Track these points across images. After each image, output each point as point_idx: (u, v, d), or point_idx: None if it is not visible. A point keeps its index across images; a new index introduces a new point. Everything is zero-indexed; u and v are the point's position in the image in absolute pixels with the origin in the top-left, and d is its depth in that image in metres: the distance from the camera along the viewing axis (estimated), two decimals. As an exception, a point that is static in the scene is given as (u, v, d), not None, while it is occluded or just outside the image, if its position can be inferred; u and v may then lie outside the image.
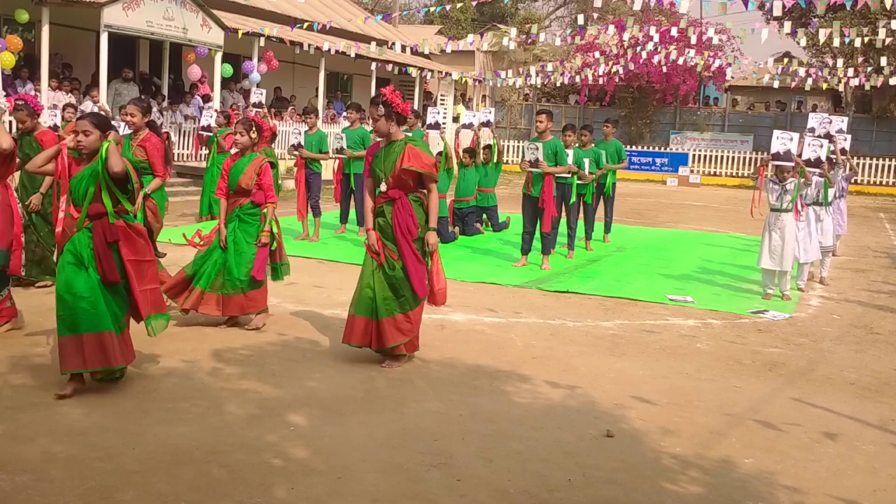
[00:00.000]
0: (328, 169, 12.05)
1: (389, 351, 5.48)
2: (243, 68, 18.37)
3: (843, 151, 9.95)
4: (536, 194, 9.20)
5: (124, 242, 4.70)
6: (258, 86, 17.28)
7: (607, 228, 11.87)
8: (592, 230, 11.19)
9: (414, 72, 23.17)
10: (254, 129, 6.27)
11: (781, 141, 8.08)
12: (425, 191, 5.52)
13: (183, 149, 17.04)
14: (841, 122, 10.12)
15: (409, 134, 6.06)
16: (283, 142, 17.02)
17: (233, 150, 6.54)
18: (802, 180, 8.20)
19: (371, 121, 5.59)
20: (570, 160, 9.51)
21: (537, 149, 9.06)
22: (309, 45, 18.98)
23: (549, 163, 9.08)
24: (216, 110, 13.00)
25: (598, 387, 5.28)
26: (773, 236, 8.19)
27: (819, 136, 8.95)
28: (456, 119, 24.77)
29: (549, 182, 9.11)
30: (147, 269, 4.84)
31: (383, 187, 5.46)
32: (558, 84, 27.41)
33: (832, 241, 9.46)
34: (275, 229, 6.35)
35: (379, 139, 5.62)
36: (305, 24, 17.79)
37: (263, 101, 13.42)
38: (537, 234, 9.43)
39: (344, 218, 11.46)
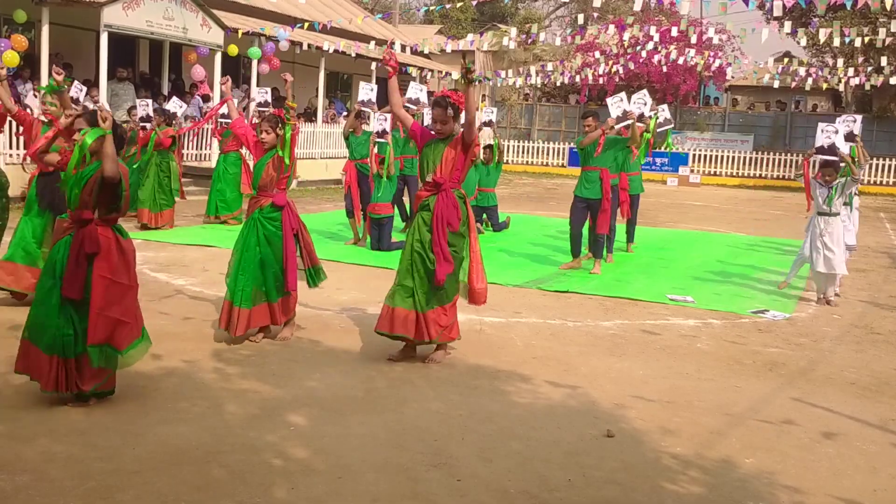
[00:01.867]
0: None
1: (432, 342, 5.56)
2: (278, 35, 18.00)
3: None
4: (593, 195, 9.03)
5: (103, 257, 4.35)
6: (258, 84, 17.23)
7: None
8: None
9: (414, 71, 23.17)
10: (280, 125, 5.97)
11: (826, 134, 7.91)
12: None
13: (183, 148, 17.02)
14: (853, 121, 10.07)
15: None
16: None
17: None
18: (849, 178, 8.03)
19: (436, 122, 5.54)
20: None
21: (622, 100, 9.03)
22: (309, 45, 18.97)
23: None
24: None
25: (599, 387, 5.28)
26: (823, 241, 8.04)
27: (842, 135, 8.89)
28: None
29: (608, 184, 9.02)
30: (120, 294, 4.41)
31: (429, 178, 5.52)
32: (558, 84, 27.41)
33: (854, 242, 9.43)
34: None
35: (434, 133, 5.63)
36: (306, 24, 17.78)
37: (269, 100, 13.32)
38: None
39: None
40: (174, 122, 12.72)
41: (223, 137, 12.51)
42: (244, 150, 12.95)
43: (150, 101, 12.13)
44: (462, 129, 5.46)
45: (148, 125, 11.68)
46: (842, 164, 8.00)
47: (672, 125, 11.82)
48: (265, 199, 5.94)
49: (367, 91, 10.92)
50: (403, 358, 5.64)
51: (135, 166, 11.56)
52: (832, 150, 7.88)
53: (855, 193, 10.09)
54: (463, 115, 5.51)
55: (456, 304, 5.69)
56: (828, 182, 8.07)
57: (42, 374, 4.37)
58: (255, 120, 12.71)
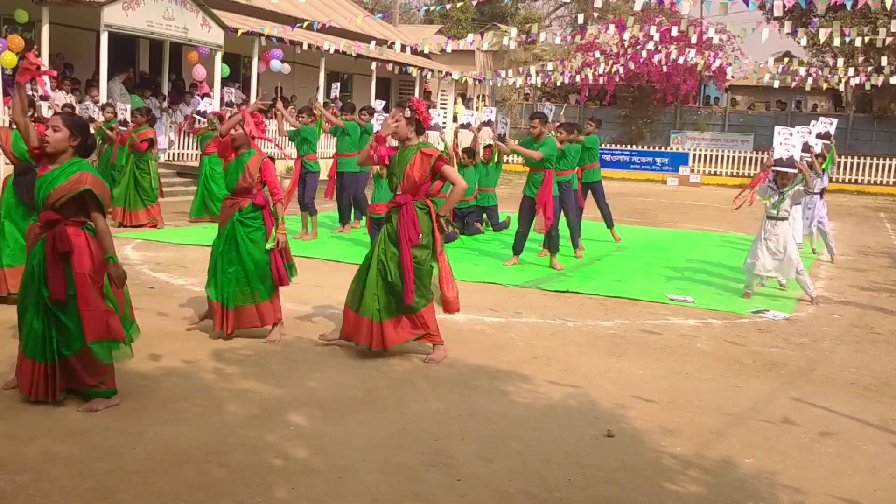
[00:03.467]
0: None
1: (387, 351, 5.60)
2: (270, 54, 18.15)
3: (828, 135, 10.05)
4: (532, 195, 9.21)
5: (78, 255, 4.30)
6: (258, 84, 17.27)
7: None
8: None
9: (414, 71, 23.18)
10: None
11: (785, 147, 8.00)
12: (432, 198, 5.67)
13: (183, 148, 17.04)
14: (829, 124, 10.15)
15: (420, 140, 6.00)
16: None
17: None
18: (801, 187, 8.11)
19: (393, 122, 5.64)
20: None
21: (506, 124, 9.10)
22: (309, 45, 18.97)
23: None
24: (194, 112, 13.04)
25: (599, 387, 5.28)
26: (770, 245, 8.08)
27: (818, 135, 8.95)
28: (455, 118, 24.76)
29: (547, 183, 9.10)
30: (100, 290, 4.40)
31: (399, 191, 5.62)
32: (558, 83, 27.42)
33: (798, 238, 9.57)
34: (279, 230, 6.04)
35: (396, 143, 5.74)
36: (305, 24, 17.79)
37: (234, 101, 13.40)
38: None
39: (344, 219, 11.47)
40: (201, 119, 12.77)
41: (204, 139, 12.58)
42: None
43: (128, 106, 12.24)
44: (440, 159, 5.54)
45: (124, 129, 11.78)
46: (799, 175, 8.08)
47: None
48: (244, 201, 5.85)
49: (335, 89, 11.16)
50: (336, 341, 5.83)
51: (110, 165, 11.70)
52: (790, 162, 7.95)
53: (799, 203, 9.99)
54: (447, 170, 5.56)
55: (431, 310, 5.68)
56: (780, 187, 8.09)
57: (23, 378, 4.40)
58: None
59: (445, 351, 5.73)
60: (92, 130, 12.50)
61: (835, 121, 9.87)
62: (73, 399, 4.54)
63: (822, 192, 10.90)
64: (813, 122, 10.12)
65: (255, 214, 5.85)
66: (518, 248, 9.59)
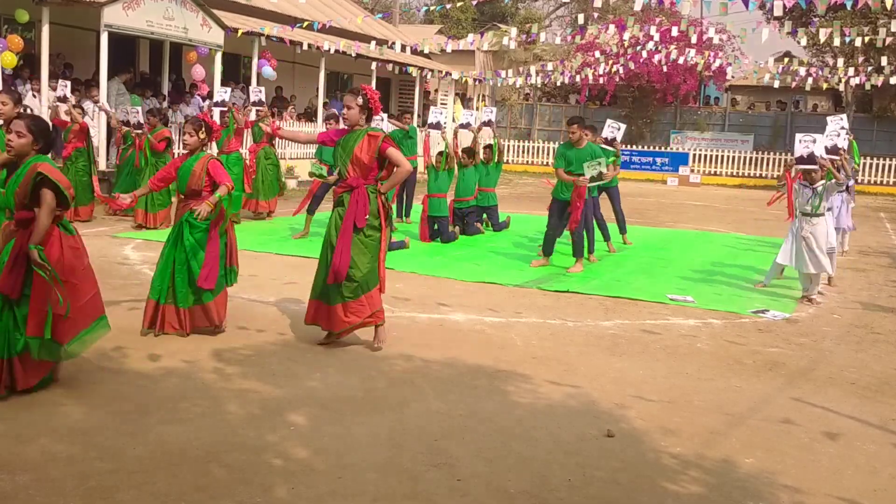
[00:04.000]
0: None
1: (340, 334, 5.83)
2: (259, 65, 18.23)
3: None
4: (564, 197, 9.18)
5: (46, 249, 4.42)
6: (258, 83, 17.26)
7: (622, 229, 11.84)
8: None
9: (414, 71, 23.17)
10: (203, 129, 6.07)
11: (804, 144, 8.03)
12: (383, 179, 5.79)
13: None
14: (840, 120, 10.06)
15: (406, 129, 6.16)
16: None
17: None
18: (833, 181, 8.16)
19: (345, 108, 5.78)
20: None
21: (600, 163, 8.88)
22: (309, 45, 18.97)
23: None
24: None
25: (599, 386, 5.28)
26: (805, 240, 8.08)
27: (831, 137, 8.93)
28: (454, 119, 24.78)
29: (581, 187, 9.05)
30: (66, 289, 4.43)
31: (345, 174, 5.73)
32: (558, 84, 27.41)
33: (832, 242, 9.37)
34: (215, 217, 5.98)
35: (345, 127, 5.89)
36: (305, 24, 17.79)
37: (263, 99, 13.36)
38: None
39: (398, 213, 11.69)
40: (226, 109, 12.73)
41: (219, 140, 12.56)
42: (244, 151, 13.05)
43: (138, 109, 12.19)
44: (383, 135, 5.70)
45: (139, 131, 11.77)
46: (823, 171, 8.11)
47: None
48: (194, 203, 5.91)
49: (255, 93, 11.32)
50: (328, 342, 5.89)
51: (136, 169, 11.67)
52: (811, 159, 7.99)
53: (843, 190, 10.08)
54: (391, 152, 5.66)
55: (378, 293, 5.81)
56: (812, 182, 8.11)
57: None
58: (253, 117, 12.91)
59: (386, 332, 5.89)
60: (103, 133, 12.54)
61: (844, 116, 9.80)
62: (74, 399, 4.54)
63: (848, 189, 10.43)
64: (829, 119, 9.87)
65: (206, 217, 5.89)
66: (548, 250, 9.60)
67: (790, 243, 8.28)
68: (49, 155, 4.68)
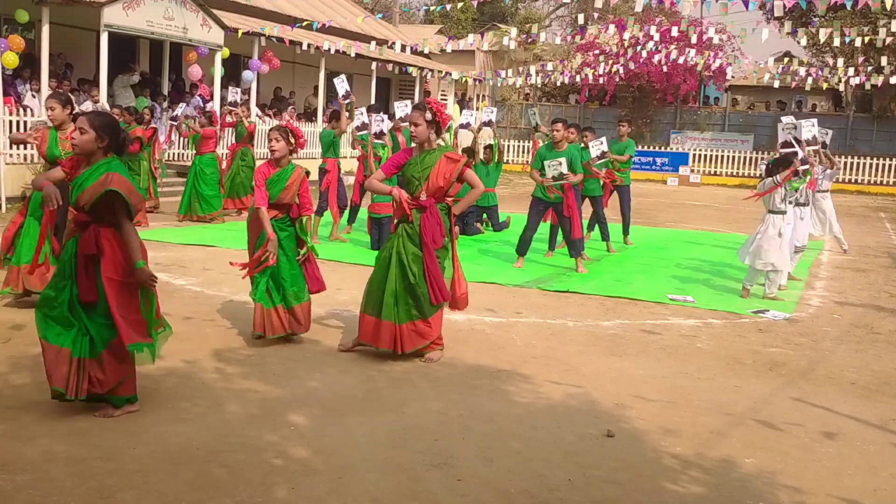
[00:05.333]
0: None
1: (410, 354, 5.58)
2: (250, 66, 18.30)
3: (823, 144, 9.83)
4: (559, 200, 9.20)
5: (107, 259, 4.24)
6: (239, 86, 17.35)
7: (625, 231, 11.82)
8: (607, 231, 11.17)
9: (414, 71, 23.18)
10: (290, 135, 5.89)
11: (787, 130, 8.16)
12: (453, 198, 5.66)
13: (183, 148, 17.04)
14: (825, 133, 10.06)
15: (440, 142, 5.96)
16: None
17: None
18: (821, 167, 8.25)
19: (412, 125, 5.56)
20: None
21: (560, 164, 8.95)
22: (309, 45, 18.97)
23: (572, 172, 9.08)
24: (198, 109, 13.08)
25: (599, 386, 5.28)
26: (775, 238, 8.10)
27: (806, 142, 8.97)
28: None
29: (571, 189, 9.11)
30: (131, 291, 4.31)
31: (421, 195, 5.51)
32: (558, 83, 27.42)
33: (803, 241, 9.29)
34: (310, 242, 6.04)
35: (414, 145, 5.68)
36: (305, 24, 17.79)
37: (239, 100, 13.37)
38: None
39: (352, 219, 11.59)
40: (175, 125, 12.84)
41: (194, 139, 12.65)
42: (220, 151, 13.18)
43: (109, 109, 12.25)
44: (464, 160, 5.55)
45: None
46: (803, 167, 8.14)
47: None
48: (279, 213, 5.83)
49: (342, 85, 10.93)
50: (355, 348, 5.77)
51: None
52: (796, 142, 8.05)
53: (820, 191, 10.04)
54: (468, 174, 5.57)
55: (441, 315, 5.69)
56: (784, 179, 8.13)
57: (57, 371, 4.21)
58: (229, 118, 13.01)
59: (443, 352, 5.74)
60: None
61: (814, 120, 9.78)
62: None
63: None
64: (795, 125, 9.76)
65: (288, 223, 5.88)
66: (522, 250, 9.63)
67: (766, 244, 8.17)
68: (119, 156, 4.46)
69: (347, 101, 10.78)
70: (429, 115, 5.48)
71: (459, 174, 5.49)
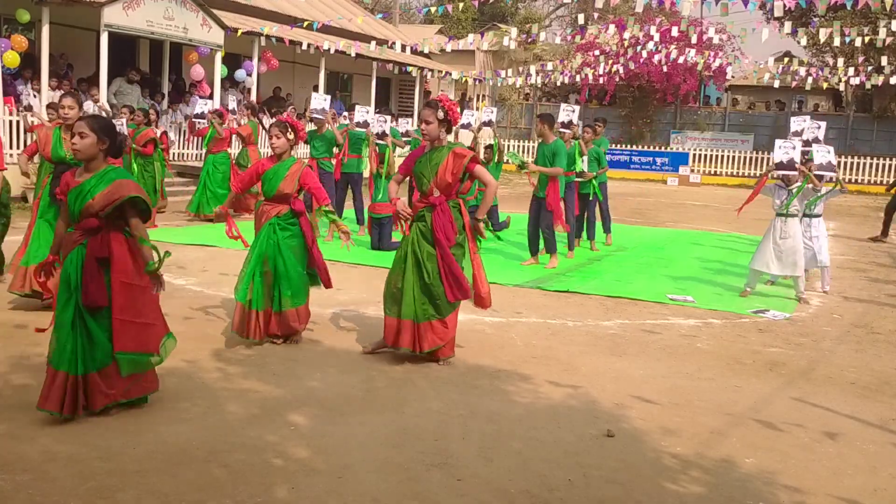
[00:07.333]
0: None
1: (427, 355, 5.56)
2: (244, 67, 18.36)
3: (815, 139, 9.26)
4: (542, 195, 9.26)
5: (117, 261, 4.22)
6: (236, 86, 17.38)
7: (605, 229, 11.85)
8: (593, 230, 11.20)
9: (414, 71, 23.17)
10: (290, 130, 5.93)
11: (784, 150, 8.10)
12: (462, 196, 5.68)
13: (182, 148, 17.04)
14: (817, 127, 9.79)
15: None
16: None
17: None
18: (809, 185, 8.19)
19: (423, 123, 5.58)
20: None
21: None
22: (309, 45, 18.98)
23: (546, 165, 9.18)
24: (210, 111, 13.04)
25: (599, 386, 5.28)
26: (781, 242, 8.12)
27: (806, 140, 8.96)
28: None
29: (554, 184, 9.18)
30: (137, 296, 4.29)
31: (433, 192, 5.52)
32: (558, 83, 27.41)
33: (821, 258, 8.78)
34: (340, 228, 6.03)
35: (425, 143, 5.70)
36: (305, 24, 17.79)
37: (206, 112, 13.16)
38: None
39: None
40: (201, 122, 12.80)
41: (207, 139, 12.68)
42: (232, 150, 13.18)
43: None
44: (471, 155, 5.50)
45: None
46: (800, 177, 8.15)
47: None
48: (283, 207, 5.83)
49: (320, 101, 11.26)
50: (377, 349, 5.76)
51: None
52: (791, 165, 8.04)
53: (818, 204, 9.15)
54: (479, 170, 5.52)
55: (456, 316, 5.67)
56: (788, 184, 8.14)
57: (54, 393, 4.18)
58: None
59: (454, 354, 5.74)
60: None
61: (822, 124, 9.71)
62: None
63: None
64: (799, 126, 9.59)
65: (293, 220, 5.85)
66: (534, 249, 9.67)
67: (766, 247, 8.23)
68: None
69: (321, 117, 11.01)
70: (441, 114, 5.49)
71: (466, 169, 5.47)
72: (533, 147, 29.28)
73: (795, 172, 8.08)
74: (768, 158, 26.65)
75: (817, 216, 8.77)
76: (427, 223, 5.51)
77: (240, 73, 18.27)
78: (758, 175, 26.32)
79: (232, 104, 13.69)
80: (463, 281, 5.50)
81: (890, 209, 13.99)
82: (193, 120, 13.50)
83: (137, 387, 4.43)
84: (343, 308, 7.10)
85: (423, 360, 5.61)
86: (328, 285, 6.03)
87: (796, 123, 9.49)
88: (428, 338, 5.49)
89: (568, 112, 10.62)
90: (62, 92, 14.07)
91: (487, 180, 5.54)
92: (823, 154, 8.52)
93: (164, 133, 12.89)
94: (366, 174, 11.55)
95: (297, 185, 5.84)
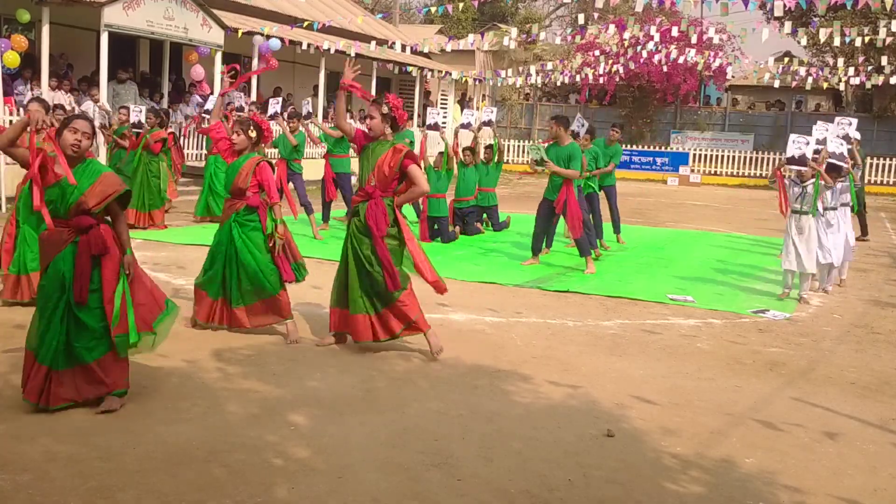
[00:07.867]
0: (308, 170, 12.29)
1: (406, 331, 5.70)
2: (260, 49, 18.14)
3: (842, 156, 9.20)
4: (552, 197, 9.24)
5: (110, 256, 4.35)
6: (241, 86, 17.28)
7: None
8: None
9: (414, 71, 23.17)
10: (252, 128, 6.06)
11: (797, 145, 8.09)
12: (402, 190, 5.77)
13: (185, 148, 17.04)
14: (848, 124, 9.73)
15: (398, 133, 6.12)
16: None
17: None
18: (822, 183, 8.16)
19: (368, 118, 5.73)
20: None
21: (538, 150, 9.14)
22: (309, 45, 18.97)
23: (560, 167, 9.07)
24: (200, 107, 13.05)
25: (599, 386, 5.28)
26: (796, 238, 8.13)
27: (836, 137, 8.90)
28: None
29: (569, 187, 9.11)
30: (132, 284, 4.45)
31: (371, 181, 5.67)
32: (558, 83, 27.40)
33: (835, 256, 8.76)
34: (278, 231, 6.07)
35: (370, 137, 5.83)
36: (305, 24, 17.78)
37: (209, 108, 13.34)
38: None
39: (325, 216, 11.84)
40: (209, 119, 12.81)
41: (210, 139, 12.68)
42: None
43: (143, 108, 12.12)
44: (407, 151, 5.62)
45: (140, 131, 11.69)
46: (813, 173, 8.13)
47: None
48: (239, 203, 5.97)
49: (274, 105, 11.83)
50: (332, 342, 5.91)
51: (121, 166, 11.66)
52: (802, 160, 8.03)
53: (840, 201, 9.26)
54: (412, 169, 5.62)
55: (413, 292, 5.74)
56: (802, 181, 8.14)
57: (35, 384, 4.34)
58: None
59: (438, 337, 5.76)
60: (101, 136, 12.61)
61: (854, 121, 9.68)
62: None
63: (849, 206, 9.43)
64: (826, 126, 9.56)
65: (251, 216, 5.97)
66: (537, 248, 9.66)
67: (789, 245, 8.24)
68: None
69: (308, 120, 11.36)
70: (385, 109, 5.70)
71: (401, 165, 5.59)
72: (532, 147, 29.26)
73: (806, 168, 8.06)
74: (768, 158, 26.68)
75: (832, 209, 8.76)
76: (361, 217, 5.66)
77: (273, 43, 17.94)
78: (758, 175, 26.41)
79: (239, 101, 13.62)
80: (395, 272, 5.60)
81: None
82: (203, 115, 13.47)
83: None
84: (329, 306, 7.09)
85: (422, 361, 5.61)
86: (289, 279, 6.07)
87: (818, 131, 9.30)
88: (388, 325, 5.65)
89: (578, 125, 10.69)
90: (62, 92, 14.12)
91: (418, 181, 5.66)
92: (837, 145, 8.53)
93: (172, 134, 12.87)
94: (354, 181, 11.70)
95: (251, 180, 5.95)
